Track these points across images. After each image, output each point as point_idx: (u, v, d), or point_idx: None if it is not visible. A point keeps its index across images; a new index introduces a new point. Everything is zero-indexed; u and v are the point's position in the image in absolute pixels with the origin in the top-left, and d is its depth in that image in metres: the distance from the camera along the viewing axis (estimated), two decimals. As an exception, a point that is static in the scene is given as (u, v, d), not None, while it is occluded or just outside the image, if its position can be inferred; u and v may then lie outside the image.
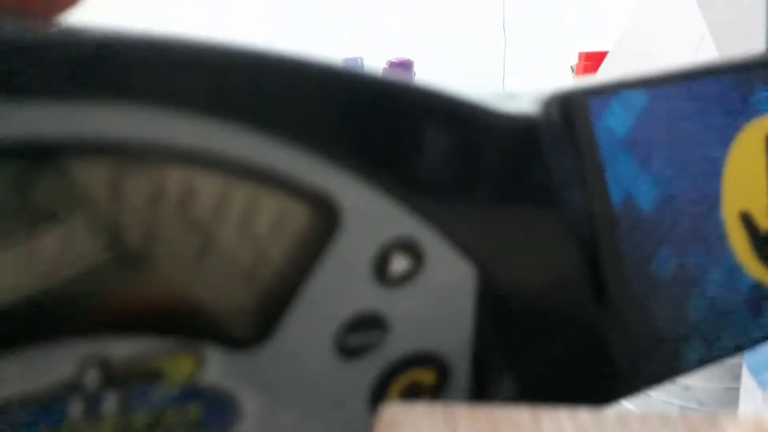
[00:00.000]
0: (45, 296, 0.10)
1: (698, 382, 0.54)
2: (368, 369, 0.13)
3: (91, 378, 0.11)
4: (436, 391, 0.14)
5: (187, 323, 0.11)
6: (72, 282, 0.10)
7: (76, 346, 0.11)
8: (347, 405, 0.13)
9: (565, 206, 0.14)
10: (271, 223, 0.11)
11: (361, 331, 0.13)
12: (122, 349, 0.11)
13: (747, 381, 0.44)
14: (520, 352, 0.14)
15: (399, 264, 0.13)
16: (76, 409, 0.11)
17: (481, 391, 0.14)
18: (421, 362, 0.13)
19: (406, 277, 0.13)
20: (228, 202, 0.11)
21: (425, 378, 0.14)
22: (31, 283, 0.10)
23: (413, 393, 0.14)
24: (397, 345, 0.13)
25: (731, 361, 0.52)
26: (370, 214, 0.12)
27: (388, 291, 0.13)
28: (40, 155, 0.10)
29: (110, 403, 0.11)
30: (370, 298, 0.13)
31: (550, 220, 0.14)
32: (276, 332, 0.12)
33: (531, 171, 0.13)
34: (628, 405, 0.58)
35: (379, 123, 0.12)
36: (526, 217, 0.14)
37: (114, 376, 0.11)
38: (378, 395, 0.13)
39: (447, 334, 0.13)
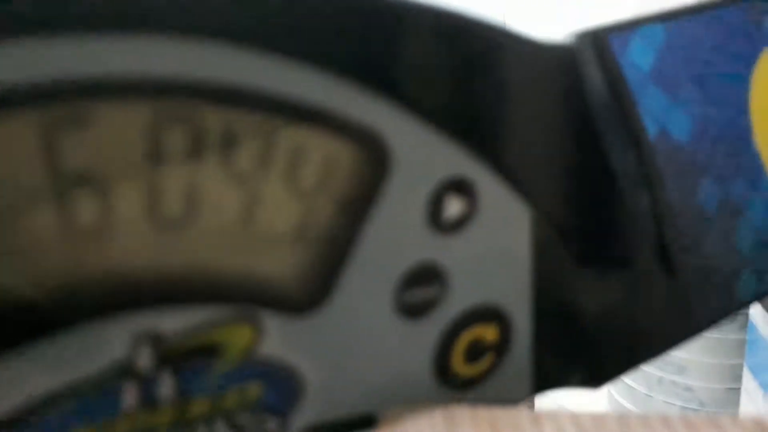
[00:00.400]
0: (86, 269, 0.09)
1: (699, 382, 0.54)
2: (430, 328, 0.12)
3: (144, 357, 0.10)
4: (500, 348, 0.13)
5: (239, 289, 0.10)
6: (113, 251, 0.09)
7: (125, 323, 0.10)
8: (411, 369, 0.12)
9: (606, 141, 0.13)
10: (319, 171, 0.11)
11: (421, 286, 0.12)
12: (175, 321, 0.10)
13: (748, 382, 0.44)
14: (579, 299, 0.14)
15: (453, 207, 0.12)
16: (130, 396, 0.10)
17: (543, 348, 0.14)
18: (482, 317, 0.13)
19: (461, 222, 0.12)
20: (273, 149, 0.10)
21: (488, 334, 0.13)
22: (69, 257, 0.09)
23: (477, 351, 0.13)
24: (457, 299, 0.12)
25: (732, 362, 0.52)
26: (422, 153, 0.11)
27: (444, 238, 0.12)
28: (71, 101, 0.09)
29: (166, 386, 0.10)
30: (426, 247, 0.12)
31: (596, 156, 0.13)
32: (333, 293, 0.11)
33: (576, 103, 0.13)
34: (629, 405, 0.58)
35: (429, 55, 0.11)
36: (574, 152, 0.13)
37: (168, 354, 0.10)
38: (442, 356, 0.13)
39: (506, 283, 0.13)
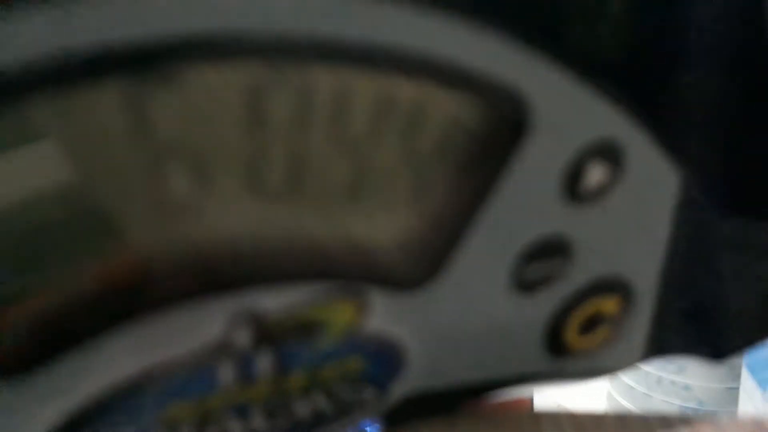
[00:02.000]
0: (184, 246, 0.09)
1: (698, 382, 0.54)
2: (546, 303, 0.11)
3: (243, 337, 0.09)
4: (618, 321, 0.12)
5: (345, 265, 0.09)
6: (211, 225, 0.09)
7: (223, 302, 0.09)
8: (520, 341, 0.11)
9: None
10: (439, 133, 0.09)
11: (543, 261, 0.11)
12: (275, 301, 0.09)
13: (747, 381, 0.44)
14: (717, 284, 0.12)
15: (595, 175, 0.10)
16: (227, 373, 0.09)
17: (667, 322, 0.12)
18: (605, 289, 0.11)
19: (601, 191, 0.11)
20: (389, 108, 0.09)
21: (608, 307, 0.12)
22: (166, 233, 0.08)
23: (593, 324, 0.12)
24: (580, 272, 0.11)
25: (731, 362, 0.52)
26: (567, 111, 0.10)
27: (577, 210, 0.11)
28: (162, 63, 0.08)
29: (264, 363, 0.10)
30: (555, 218, 0.10)
31: (756, 123, 0.11)
32: (447, 268, 0.10)
33: (752, 48, 0.11)
34: (628, 405, 0.58)
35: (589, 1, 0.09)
36: (732, 117, 0.11)
37: (267, 333, 0.09)
38: (555, 329, 0.11)
39: (638, 254, 0.11)
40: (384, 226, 0.10)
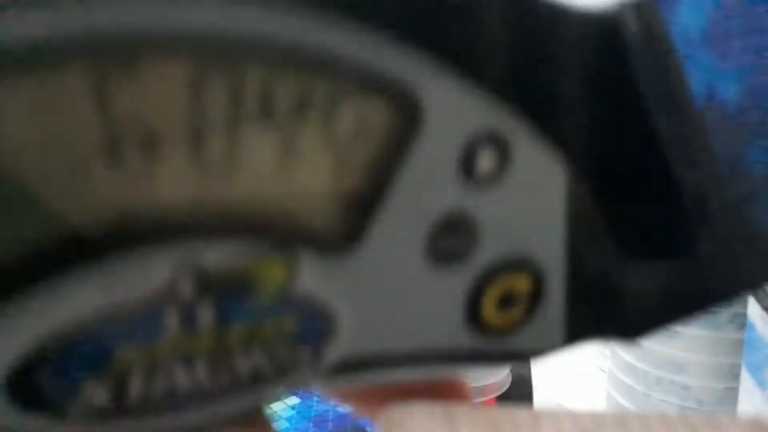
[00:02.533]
0: (134, 204, 0.10)
1: (698, 381, 0.54)
2: (461, 276, 0.13)
3: (186, 284, 0.11)
4: (532, 301, 0.14)
5: (277, 226, 0.11)
6: (160, 190, 0.10)
7: (169, 253, 0.10)
8: (441, 315, 0.13)
9: (649, 105, 0.13)
10: (352, 124, 0.11)
11: (452, 234, 0.12)
12: (215, 254, 0.11)
13: (746, 381, 0.44)
14: (615, 264, 0.14)
15: (486, 160, 0.12)
16: (171, 320, 0.11)
17: (578, 303, 0.14)
18: (514, 266, 0.13)
19: (494, 176, 0.12)
20: (307, 103, 0.11)
21: (520, 285, 0.13)
22: (120, 194, 0.10)
23: (509, 301, 0.13)
24: (488, 250, 0.13)
25: (730, 361, 0.52)
26: (454, 105, 0.12)
27: (476, 191, 0.12)
28: (121, 51, 0.09)
29: (206, 313, 0.11)
30: (458, 198, 0.12)
31: (637, 119, 0.13)
32: (366, 235, 0.12)
33: (620, 66, 0.13)
34: (627, 404, 0.58)
35: (472, 8, 0.11)
36: (614, 115, 0.13)
37: (209, 283, 0.11)
38: (473, 305, 0.13)
39: (539, 237, 0.13)
40: (310, 195, 0.11)
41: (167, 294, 0.11)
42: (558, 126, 0.13)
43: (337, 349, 0.12)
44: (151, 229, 0.10)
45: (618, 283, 0.14)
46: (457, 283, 0.13)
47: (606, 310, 0.14)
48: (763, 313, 0.41)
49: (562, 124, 0.13)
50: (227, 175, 0.10)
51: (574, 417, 0.12)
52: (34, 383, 0.10)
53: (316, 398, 0.59)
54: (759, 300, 0.42)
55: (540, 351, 0.14)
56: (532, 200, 0.13)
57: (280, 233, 0.11)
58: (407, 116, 0.11)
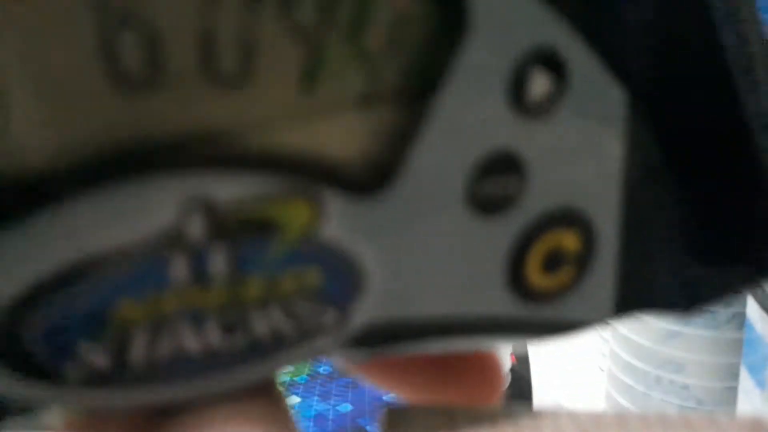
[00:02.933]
0: (132, 123, 0.08)
1: (697, 381, 0.54)
2: (504, 227, 0.11)
3: (195, 224, 0.09)
4: (581, 260, 0.12)
5: (299, 161, 0.09)
6: (162, 104, 0.08)
7: (175, 185, 0.09)
8: (481, 275, 0.11)
9: (718, 35, 0.11)
10: (386, 29, 0.09)
11: (497, 176, 0.11)
12: (229, 189, 0.09)
13: (745, 380, 0.44)
14: (679, 211, 0.12)
15: (539, 84, 0.10)
16: (179, 267, 0.09)
17: (632, 267, 0.12)
18: (563, 221, 0.11)
19: (547, 105, 0.10)
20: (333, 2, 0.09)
21: (568, 242, 0.11)
22: (115, 109, 0.08)
23: (556, 261, 0.11)
24: (536, 197, 0.11)
25: (730, 361, 0.52)
26: (506, 12, 0.10)
27: (527, 123, 0.10)
28: None
29: (218, 260, 0.09)
30: (505, 131, 0.10)
31: (705, 46, 0.11)
32: (400, 175, 0.10)
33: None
34: (627, 404, 0.58)
35: None
36: (682, 39, 0.11)
37: (221, 225, 0.09)
38: (516, 261, 0.11)
39: (593, 183, 0.11)
40: (336, 125, 0.09)
41: (174, 235, 0.09)
42: (621, 48, 0.11)
43: (364, 312, 0.10)
44: (156, 156, 0.09)
45: (681, 249, 0.12)
46: (499, 237, 0.11)
47: (664, 279, 0.12)
48: (763, 312, 0.41)
49: (625, 46, 0.11)
50: (243, 93, 0.09)
51: (573, 416, 0.12)
52: (25, 342, 0.09)
53: (316, 398, 0.59)
54: (758, 300, 0.42)
55: (587, 321, 0.12)
56: (590, 135, 0.11)
57: (303, 167, 0.09)
58: (451, 22, 0.10)
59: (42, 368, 0.09)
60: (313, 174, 0.09)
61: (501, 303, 0.11)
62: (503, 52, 0.10)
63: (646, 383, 0.56)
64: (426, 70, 0.10)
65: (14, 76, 0.08)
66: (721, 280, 0.12)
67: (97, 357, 0.09)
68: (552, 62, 0.10)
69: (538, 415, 0.12)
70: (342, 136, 0.09)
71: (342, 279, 0.10)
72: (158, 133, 0.08)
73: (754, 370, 0.43)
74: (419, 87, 0.10)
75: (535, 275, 0.11)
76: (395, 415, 0.12)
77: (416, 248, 0.10)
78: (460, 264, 0.11)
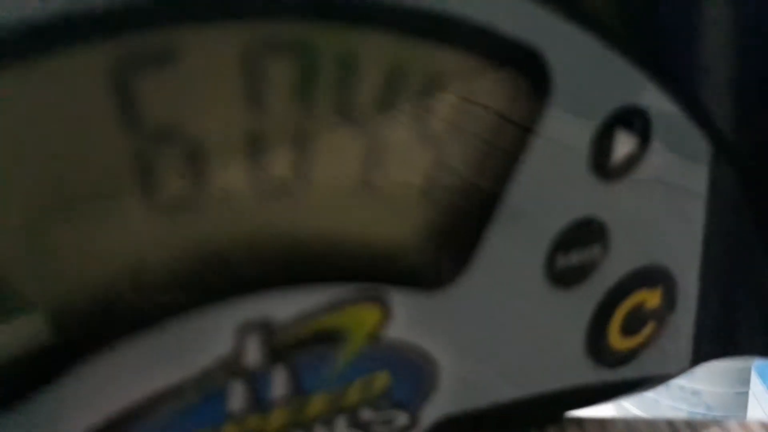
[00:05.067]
0: (179, 250, 0.07)
1: (707, 386, 0.54)
2: (587, 297, 0.10)
3: (253, 350, 0.08)
4: (662, 318, 0.11)
5: (361, 266, 0.08)
6: (209, 225, 0.07)
7: (230, 311, 0.08)
8: (561, 349, 0.10)
9: None
10: (455, 105, 0.08)
11: (579, 247, 0.10)
12: (287, 308, 0.08)
13: (756, 386, 0.44)
14: (757, 255, 0.11)
15: (623, 146, 0.09)
16: (238, 397, 0.08)
17: (712, 313, 0.11)
18: (646, 281, 0.10)
19: (630, 165, 0.10)
20: (400, 76, 0.08)
21: (650, 300, 0.11)
22: (157, 235, 0.07)
23: (637, 322, 0.11)
24: (619, 261, 0.10)
25: (740, 366, 0.52)
26: (591, 76, 0.09)
27: (608, 188, 0.10)
28: (150, 29, 0.06)
29: (279, 383, 0.08)
30: (588, 198, 0.09)
31: None
32: (473, 265, 0.09)
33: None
34: (635, 410, 0.57)
35: None
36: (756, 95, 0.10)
37: (281, 346, 0.08)
38: (599, 330, 0.10)
39: (675, 238, 0.10)
40: (400, 219, 0.09)
41: (232, 364, 0.08)
42: (705, 93, 0.10)
43: (436, 409, 0.10)
44: (208, 284, 0.08)
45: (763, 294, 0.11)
46: (582, 306, 0.10)
47: (748, 326, 0.11)
48: (773, 317, 0.41)
49: (708, 96, 0.10)
50: (297, 199, 0.08)
51: (580, 423, 0.11)
52: None
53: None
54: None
55: (666, 374, 0.12)
56: (671, 193, 0.10)
57: (365, 271, 0.09)
58: (530, 90, 0.08)
59: None
60: (376, 277, 0.09)
61: (582, 374, 0.11)
62: (587, 116, 0.09)
63: (655, 389, 0.56)
64: (500, 145, 0.09)
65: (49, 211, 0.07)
66: None
67: None
68: (636, 122, 0.09)
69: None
70: (407, 228, 0.09)
71: (410, 379, 0.09)
72: (206, 257, 0.08)
73: (765, 375, 0.43)
74: (493, 163, 0.09)
75: (616, 339, 0.11)
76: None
77: (491, 335, 0.10)
78: (538, 342, 0.10)
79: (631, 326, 0.11)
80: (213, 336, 0.08)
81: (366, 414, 0.09)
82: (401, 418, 0.10)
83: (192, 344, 0.08)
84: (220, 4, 0.07)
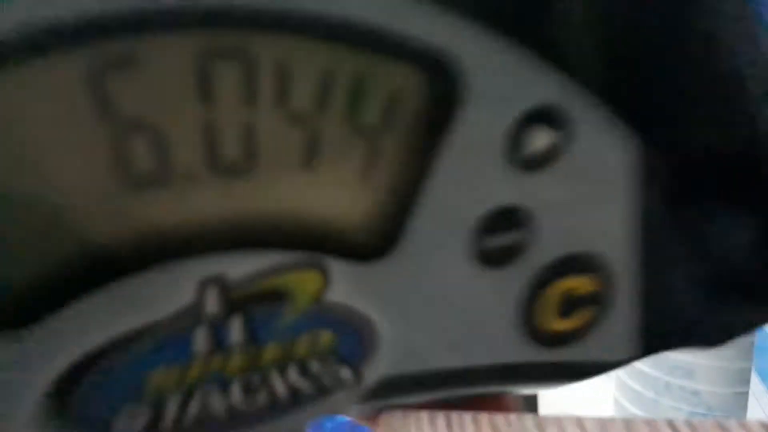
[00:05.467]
0: (150, 217, 0.09)
1: (707, 387, 0.54)
2: (514, 278, 0.11)
3: (212, 302, 0.10)
4: (599, 301, 0.12)
5: (304, 235, 0.10)
6: (175, 199, 0.09)
7: (192, 268, 0.10)
8: (493, 326, 0.11)
9: (727, 58, 0.11)
10: (382, 104, 0.10)
11: (501, 231, 0.11)
12: (240, 267, 0.10)
13: (756, 386, 0.44)
14: (698, 242, 0.12)
15: (539, 140, 0.10)
16: (201, 340, 0.10)
17: (658, 303, 0.12)
18: (575, 267, 0.11)
19: (549, 157, 0.11)
20: (331, 82, 0.09)
21: (583, 286, 0.12)
22: (132, 207, 0.09)
23: (571, 305, 0.12)
24: (545, 247, 0.11)
25: (740, 366, 0.52)
26: (502, 77, 0.10)
27: (528, 177, 0.11)
28: (119, 37, 0.08)
29: (236, 331, 0.10)
30: (507, 187, 0.11)
31: (713, 75, 0.11)
32: (403, 238, 0.10)
33: (691, 15, 0.11)
34: (635, 410, 0.57)
35: None
36: (690, 74, 0.11)
37: (235, 299, 0.10)
38: (529, 309, 0.11)
39: (603, 227, 0.11)
40: (339, 198, 0.10)
41: (195, 312, 0.10)
42: (628, 96, 0.11)
43: (378, 368, 0.11)
44: (174, 245, 0.09)
45: (710, 283, 0.12)
46: (510, 287, 0.11)
47: (695, 314, 0.12)
48: (773, 317, 0.41)
49: (631, 92, 0.11)
50: (249, 180, 0.09)
51: (579, 422, 0.11)
52: (75, 402, 0.10)
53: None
54: (769, 304, 0.41)
55: (611, 360, 0.12)
56: (596, 182, 0.11)
57: (308, 241, 0.10)
58: (445, 92, 0.10)
59: (90, 424, 0.10)
60: (319, 246, 0.10)
61: (517, 350, 0.12)
62: (500, 114, 0.10)
63: (655, 389, 0.56)
64: (423, 135, 0.10)
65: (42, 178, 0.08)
66: (754, 311, 0.12)
67: (137, 418, 0.10)
68: (553, 119, 0.10)
69: (543, 421, 0.11)
70: (345, 207, 0.10)
71: (353, 339, 0.11)
72: (172, 224, 0.09)
73: (765, 376, 0.43)
74: (418, 152, 0.10)
75: (549, 320, 0.12)
76: (397, 422, 0.11)
77: (425, 306, 0.11)
78: (471, 317, 0.11)
79: (565, 309, 0.12)
80: (179, 287, 0.10)
81: (314, 366, 0.11)
82: (346, 373, 0.11)
83: (162, 292, 0.10)
84: (174, 17, 0.08)
